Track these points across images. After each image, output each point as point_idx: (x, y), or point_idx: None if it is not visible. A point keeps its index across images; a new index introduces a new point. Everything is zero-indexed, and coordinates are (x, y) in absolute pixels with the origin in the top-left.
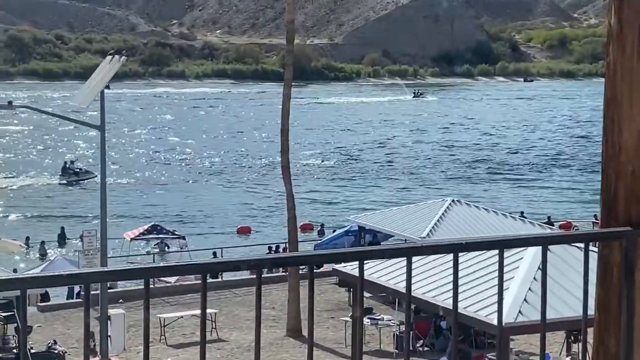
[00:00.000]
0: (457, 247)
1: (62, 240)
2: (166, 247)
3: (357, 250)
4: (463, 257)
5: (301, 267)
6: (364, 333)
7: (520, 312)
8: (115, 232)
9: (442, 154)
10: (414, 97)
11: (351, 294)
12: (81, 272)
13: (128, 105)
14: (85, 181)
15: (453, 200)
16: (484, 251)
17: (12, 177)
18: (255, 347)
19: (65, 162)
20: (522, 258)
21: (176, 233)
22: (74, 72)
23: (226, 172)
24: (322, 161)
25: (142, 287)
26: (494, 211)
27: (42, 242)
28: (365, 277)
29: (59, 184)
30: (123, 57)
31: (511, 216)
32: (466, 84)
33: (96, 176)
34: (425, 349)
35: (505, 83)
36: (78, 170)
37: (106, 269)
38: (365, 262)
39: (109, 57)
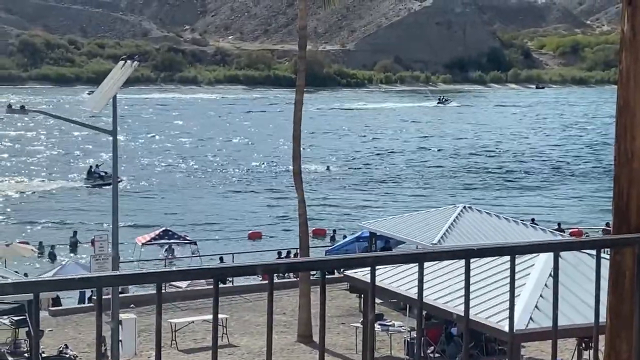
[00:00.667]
0: (469, 253)
1: (74, 245)
2: (177, 253)
3: (369, 255)
4: (474, 263)
5: (312, 272)
6: (375, 339)
7: (531, 318)
8: (127, 237)
9: (454, 161)
10: (438, 103)
11: (362, 300)
12: (93, 275)
13: (140, 110)
14: (109, 186)
15: (464, 207)
16: (495, 257)
17: (38, 180)
18: (267, 352)
19: (91, 166)
20: (533, 265)
21: (187, 238)
22: (86, 77)
23: (238, 178)
24: (335, 167)
25: (154, 292)
26: (505, 218)
27: (52, 247)
28: (377, 283)
29: (85, 187)
30: (135, 62)
31: (522, 223)
32: (478, 91)
33: (122, 180)
34: (436, 355)
35: (517, 90)
36: (104, 174)
37: (118, 273)
38: (377, 267)
39: (121, 62)
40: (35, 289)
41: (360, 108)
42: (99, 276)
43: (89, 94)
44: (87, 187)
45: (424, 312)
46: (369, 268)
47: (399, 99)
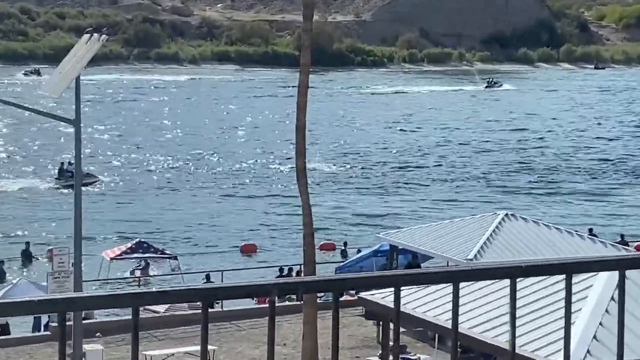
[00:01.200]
0: (516, 271)
1: (26, 258)
2: (154, 269)
3: (394, 274)
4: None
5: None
6: None
7: (588, 352)
8: (92, 249)
9: (494, 158)
10: (487, 87)
11: (380, 328)
12: (58, 297)
13: (108, 95)
14: (87, 186)
15: (506, 214)
16: (545, 276)
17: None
18: None
19: (62, 163)
20: (591, 286)
21: (166, 252)
22: (43, 53)
23: (227, 179)
24: (347, 165)
25: (124, 318)
26: (556, 227)
27: (1, 262)
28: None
29: (54, 188)
30: (103, 36)
31: (577, 234)
32: (523, 72)
33: (98, 180)
34: None
35: (571, 70)
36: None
37: (87, 295)
38: (402, 288)
39: (86, 37)
40: None
41: (380, 92)
42: (64, 298)
43: (24, 74)
44: (56, 187)
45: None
46: (392, 289)
47: (429, 81)
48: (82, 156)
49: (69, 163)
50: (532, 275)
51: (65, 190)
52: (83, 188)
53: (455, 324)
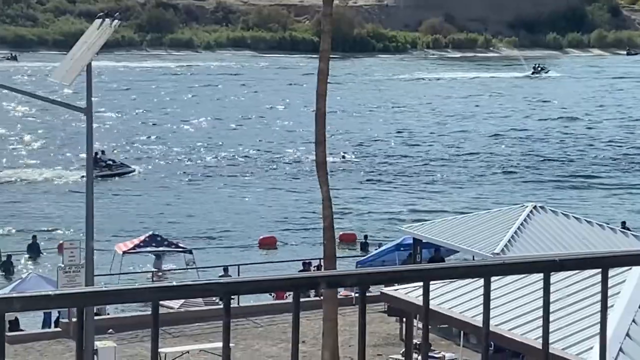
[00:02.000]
0: (550, 265)
1: (34, 252)
2: (168, 263)
3: (421, 267)
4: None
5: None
6: None
7: (621, 350)
8: (104, 243)
9: (521, 147)
10: (533, 73)
11: (404, 325)
12: (76, 291)
13: (121, 82)
14: (117, 177)
15: (535, 207)
16: (577, 271)
17: (21, 170)
18: None
19: (96, 153)
20: (624, 281)
21: (181, 245)
22: (53, 39)
23: (244, 169)
24: (368, 156)
25: (136, 314)
26: (587, 220)
27: (9, 257)
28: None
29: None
30: (115, 21)
31: (610, 227)
32: (553, 58)
33: (133, 170)
34: None
35: (603, 57)
36: (111, 162)
37: (106, 288)
38: (431, 282)
39: (97, 22)
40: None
41: (404, 79)
42: (82, 292)
43: (8, 58)
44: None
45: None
46: (419, 284)
47: (454, 67)
48: (105, 145)
49: (102, 152)
50: (567, 269)
51: (97, 181)
52: (117, 178)
53: (487, 319)
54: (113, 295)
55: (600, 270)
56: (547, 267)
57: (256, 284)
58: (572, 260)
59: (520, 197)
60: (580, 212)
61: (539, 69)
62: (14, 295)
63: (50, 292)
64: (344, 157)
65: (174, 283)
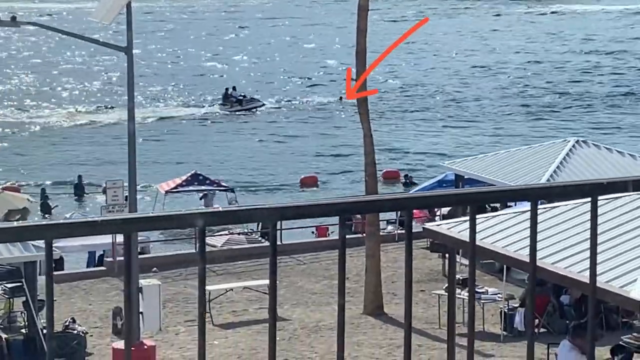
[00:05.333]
0: (596, 188)
1: (79, 191)
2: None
3: (469, 192)
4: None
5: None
6: (462, 310)
7: None
8: (146, 182)
9: (563, 79)
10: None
11: (446, 260)
12: (122, 217)
13: (159, 21)
14: (249, 111)
15: (577, 141)
16: (614, 202)
17: (163, 106)
18: (339, 330)
19: (227, 89)
20: None
21: (223, 184)
22: None
23: (282, 106)
24: (406, 92)
25: (180, 253)
26: (630, 154)
27: (46, 196)
28: (461, 237)
29: (222, 113)
30: None
31: None
32: None
33: (263, 105)
34: (541, 330)
35: None
36: (241, 97)
37: (152, 214)
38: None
39: None
40: (47, 235)
41: (447, 14)
42: (127, 218)
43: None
44: (222, 113)
45: (526, 276)
46: (464, 219)
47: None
48: (152, 88)
49: (233, 88)
50: (615, 191)
51: (227, 115)
52: (248, 112)
53: (534, 245)
54: (160, 221)
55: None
56: (593, 190)
57: (303, 209)
58: (619, 182)
59: (562, 132)
60: (623, 147)
61: None
62: (61, 221)
63: (96, 219)
64: (385, 94)
65: (220, 209)
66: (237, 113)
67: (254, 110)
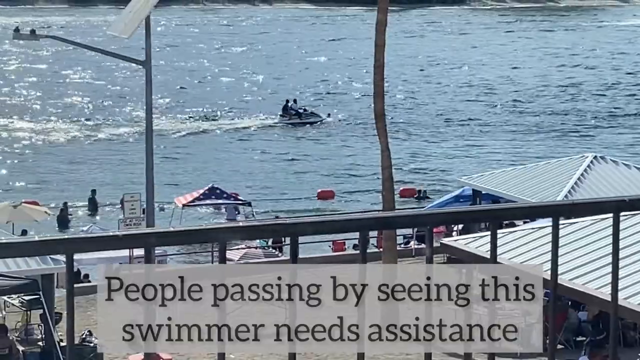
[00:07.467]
0: (619, 205)
1: (93, 205)
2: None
3: (490, 208)
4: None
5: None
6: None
7: None
8: (163, 196)
9: (585, 100)
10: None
11: (463, 276)
12: (143, 232)
13: (178, 36)
14: (307, 125)
15: (595, 157)
16: (632, 219)
17: (228, 119)
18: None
19: (287, 101)
20: None
21: (240, 198)
22: None
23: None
24: (428, 107)
25: (198, 264)
26: None
27: (65, 207)
28: (479, 253)
29: (280, 125)
30: None
31: None
32: (609, 6)
33: (323, 119)
34: (559, 346)
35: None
36: (301, 111)
37: (173, 229)
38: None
39: None
40: (68, 248)
41: (464, 32)
42: (149, 232)
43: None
44: (281, 125)
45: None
46: (475, 234)
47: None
48: (162, 99)
49: (294, 101)
50: (637, 209)
51: (286, 128)
52: (305, 126)
53: (555, 262)
54: (181, 236)
55: None
56: (617, 206)
57: (322, 225)
58: None
59: (580, 148)
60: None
61: None
62: (83, 236)
63: (118, 233)
64: (402, 109)
65: (241, 223)
66: (296, 126)
67: (313, 124)
